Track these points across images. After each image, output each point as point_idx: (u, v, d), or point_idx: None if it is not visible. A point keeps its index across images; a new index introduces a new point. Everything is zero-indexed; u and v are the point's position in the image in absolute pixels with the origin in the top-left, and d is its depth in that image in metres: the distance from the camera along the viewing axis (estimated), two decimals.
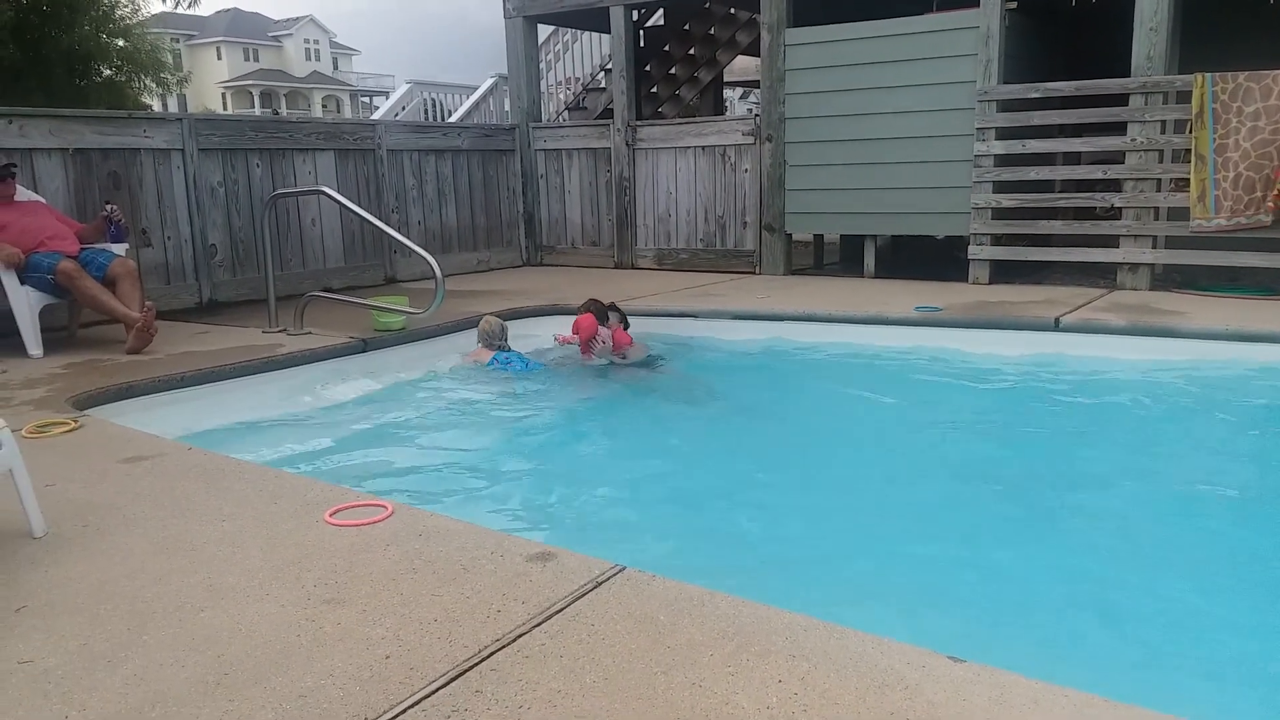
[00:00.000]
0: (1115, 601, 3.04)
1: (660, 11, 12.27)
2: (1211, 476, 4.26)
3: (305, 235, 8.53)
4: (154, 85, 17.43)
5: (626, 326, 6.33)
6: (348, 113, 65.06)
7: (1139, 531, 3.63)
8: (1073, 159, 8.74)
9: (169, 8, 16.84)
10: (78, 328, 6.32)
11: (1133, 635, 2.83)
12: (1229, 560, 3.36)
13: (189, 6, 16.68)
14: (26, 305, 5.70)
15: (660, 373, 6.16)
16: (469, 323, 6.51)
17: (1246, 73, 6.75)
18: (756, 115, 9.45)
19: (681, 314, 7.12)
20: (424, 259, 5.88)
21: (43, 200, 6.32)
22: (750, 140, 9.24)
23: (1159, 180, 7.31)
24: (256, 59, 66.43)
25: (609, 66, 11.46)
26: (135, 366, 5.33)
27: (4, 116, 6.55)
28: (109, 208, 6.31)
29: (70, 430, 4.05)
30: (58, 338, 6.06)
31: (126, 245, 6.38)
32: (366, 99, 66.46)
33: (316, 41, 69.56)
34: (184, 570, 2.63)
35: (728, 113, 17.34)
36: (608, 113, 10.87)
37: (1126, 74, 7.33)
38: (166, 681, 2.06)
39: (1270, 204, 6.69)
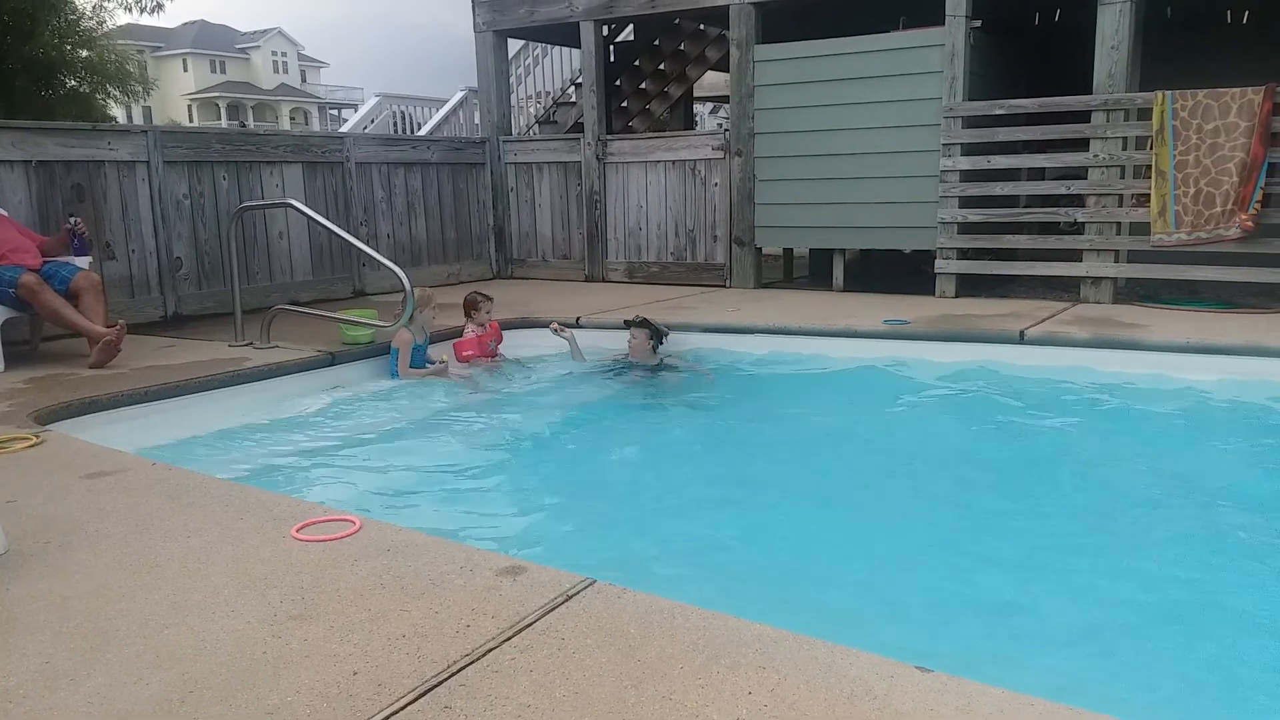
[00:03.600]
0: (1082, 611, 3.08)
1: (630, 27, 12.32)
2: (1175, 486, 4.33)
3: (272, 248, 8.47)
4: (120, 95, 17.27)
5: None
6: (316, 125, 64.67)
7: (1104, 542, 3.67)
8: (1037, 175, 8.88)
9: (134, 17, 16.74)
10: (40, 342, 6.23)
11: (1099, 644, 2.86)
12: (1195, 569, 3.40)
13: (152, 12, 16.56)
14: None
15: (649, 383, 6.20)
16: (437, 336, 6.49)
17: (1206, 90, 6.90)
18: (726, 130, 9.51)
19: None
20: (393, 272, 5.86)
21: (4, 213, 6.23)
22: (720, 155, 9.30)
23: (1121, 196, 7.43)
24: (223, 71, 65.92)
25: (579, 81, 11.50)
26: (99, 381, 5.26)
27: None
28: (72, 220, 6.24)
29: (32, 446, 3.99)
30: (19, 352, 5.96)
31: (90, 258, 6.30)
32: (335, 112, 66.14)
33: (284, 54, 69.16)
34: (148, 587, 2.60)
35: (698, 127, 17.42)
36: (578, 127, 10.89)
37: (1089, 91, 7.46)
38: (130, 700, 2.03)
39: (1248, 222, 6.79)
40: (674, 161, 9.63)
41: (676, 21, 11.42)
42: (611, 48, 12.23)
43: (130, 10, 16.44)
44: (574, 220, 10.37)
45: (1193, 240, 7.06)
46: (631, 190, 9.92)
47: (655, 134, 11.27)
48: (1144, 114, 7.20)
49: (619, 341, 6.64)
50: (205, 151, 7.94)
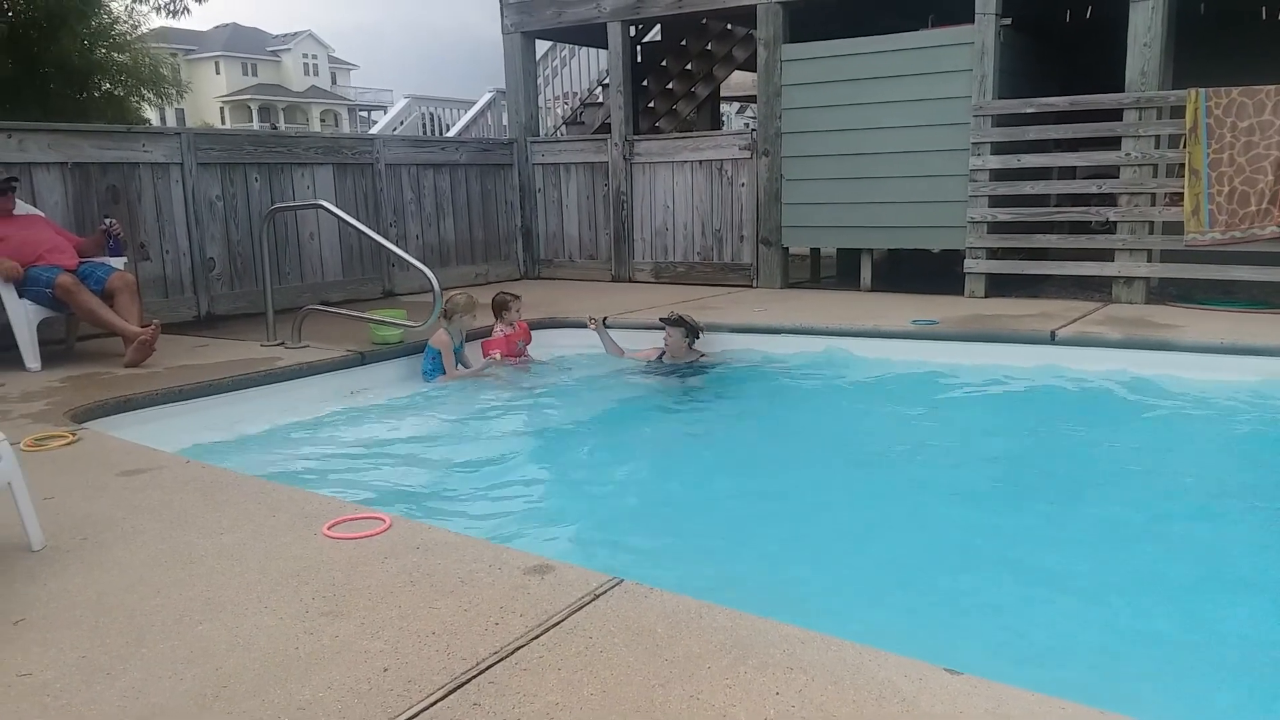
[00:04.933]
0: (1114, 615, 3.05)
1: (657, 27, 12.33)
2: (1210, 489, 4.28)
3: (303, 249, 8.55)
4: (154, 98, 17.49)
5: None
6: (346, 127, 65.17)
7: (1136, 545, 3.64)
8: (1068, 173, 8.78)
9: (161, 19, 16.95)
10: (75, 341, 6.33)
11: (1129, 648, 2.84)
12: (1226, 573, 3.36)
13: (176, 15, 16.72)
14: (25, 319, 5.71)
15: (682, 381, 6.23)
16: (469, 335, 6.53)
17: (1240, 88, 6.80)
18: (753, 130, 9.49)
19: None
20: (422, 272, 5.89)
21: (41, 214, 6.34)
22: (747, 154, 9.28)
23: (1153, 195, 7.34)
24: (255, 73, 66.54)
25: (606, 82, 11.51)
26: (133, 380, 5.33)
27: (3, 131, 6.58)
28: (107, 221, 6.33)
29: (68, 444, 4.05)
30: (56, 351, 6.06)
31: (125, 259, 6.39)
32: (365, 113, 66.59)
33: (315, 56, 69.71)
34: (182, 583, 2.63)
35: (724, 127, 17.39)
36: (605, 127, 10.91)
37: (1120, 89, 7.38)
38: (164, 694, 2.07)
39: None
40: (701, 161, 9.63)
41: (704, 21, 11.41)
42: (639, 48, 12.25)
43: (159, 13, 16.62)
44: (601, 220, 10.39)
45: (1227, 239, 6.97)
46: (658, 190, 9.93)
47: (682, 134, 11.27)
48: (1177, 112, 7.11)
49: (646, 341, 6.66)
50: (237, 153, 8.03)
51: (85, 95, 15.20)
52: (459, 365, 6.25)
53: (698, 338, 6.50)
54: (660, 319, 6.57)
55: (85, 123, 10.58)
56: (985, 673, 2.04)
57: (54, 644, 2.30)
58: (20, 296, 5.70)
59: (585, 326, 6.85)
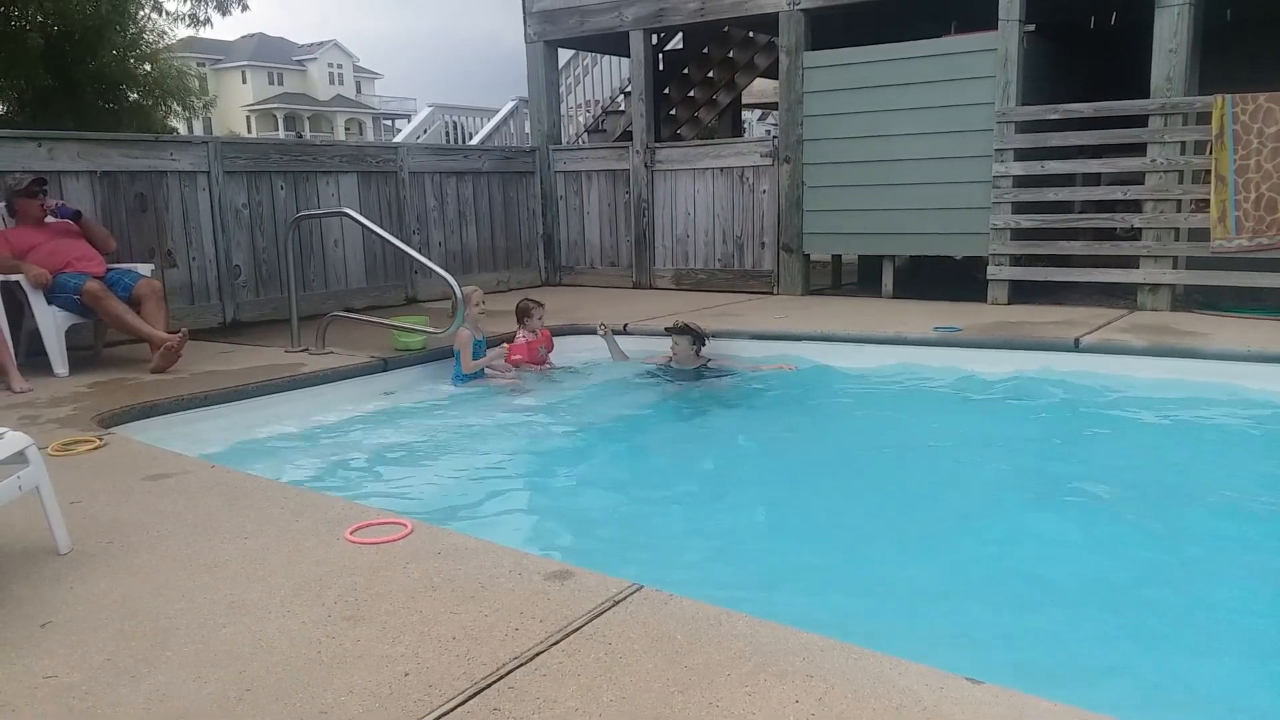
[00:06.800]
0: (1138, 624, 3.02)
1: (679, 35, 12.35)
2: (1238, 498, 4.23)
3: (328, 256, 8.62)
4: (180, 109, 17.68)
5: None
6: (370, 136, 65.59)
7: (1160, 554, 3.60)
8: (1092, 180, 8.69)
9: (185, 30, 17.12)
10: (103, 347, 6.40)
11: (1154, 658, 2.81)
12: (1254, 582, 3.32)
13: (197, 26, 16.86)
14: (53, 325, 5.79)
15: (696, 387, 6.23)
16: (490, 341, 6.55)
17: (1267, 94, 6.74)
18: (774, 137, 9.49)
19: None
20: (444, 279, 5.93)
21: (71, 223, 6.41)
22: (768, 161, 9.28)
23: (1179, 201, 7.28)
24: (281, 83, 67.13)
25: (628, 89, 11.55)
26: (159, 385, 5.39)
27: (33, 140, 6.70)
28: (42, 193, 6.04)
29: (95, 448, 4.10)
30: (83, 357, 6.13)
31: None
32: (389, 122, 67.03)
33: (340, 65, 70.25)
34: (206, 587, 2.66)
35: (746, 134, 17.39)
36: (627, 135, 10.94)
37: (1146, 95, 7.33)
38: (189, 697, 2.09)
39: None
40: (722, 169, 9.64)
41: (725, 29, 11.43)
42: (660, 56, 12.27)
43: (183, 21, 16.79)
44: (622, 228, 10.42)
45: (1254, 246, 6.90)
46: (679, 198, 9.94)
47: (703, 141, 11.27)
48: (1203, 118, 7.05)
49: (664, 348, 6.67)
50: (264, 162, 8.11)
51: (113, 105, 15.37)
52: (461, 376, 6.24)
53: (704, 344, 6.48)
54: (666, 328, 6.56)
55: (114, 132, 10.72)
56: (1007, 682, 2.02)
57: (79, 647, 2.33)
58: (49, 303, 5.79)
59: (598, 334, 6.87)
